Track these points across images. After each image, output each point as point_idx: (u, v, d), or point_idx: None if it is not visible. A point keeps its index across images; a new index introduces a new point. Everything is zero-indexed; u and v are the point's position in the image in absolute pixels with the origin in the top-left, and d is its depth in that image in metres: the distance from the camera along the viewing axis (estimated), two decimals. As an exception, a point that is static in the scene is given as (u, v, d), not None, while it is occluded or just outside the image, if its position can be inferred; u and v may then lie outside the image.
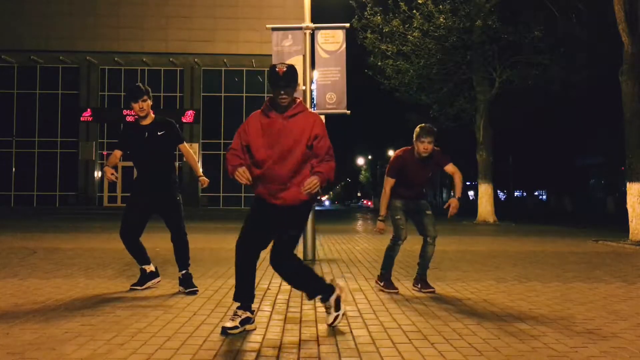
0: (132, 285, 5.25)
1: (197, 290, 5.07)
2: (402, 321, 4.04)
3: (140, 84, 5.17)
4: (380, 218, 5.27)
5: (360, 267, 6.99)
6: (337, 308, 3.82)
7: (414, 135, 5.09)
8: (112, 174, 4.91)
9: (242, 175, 3.63)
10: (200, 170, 5.37)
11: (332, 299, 3.84)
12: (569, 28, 17.28)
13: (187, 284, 5.11)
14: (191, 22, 28.86)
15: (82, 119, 29.40)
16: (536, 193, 54.14)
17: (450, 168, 5.18)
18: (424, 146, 5.03)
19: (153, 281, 5.29)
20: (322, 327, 3.83)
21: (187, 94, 30.09)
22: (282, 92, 3.64)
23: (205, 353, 3.18)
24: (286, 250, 3.74)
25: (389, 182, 5.24)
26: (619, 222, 15.17)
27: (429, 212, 5.24)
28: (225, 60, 29.22)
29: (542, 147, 37.09)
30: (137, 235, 5.16)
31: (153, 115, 5.19)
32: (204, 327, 3.79)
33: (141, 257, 5.23)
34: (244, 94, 30.27)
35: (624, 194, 12.93)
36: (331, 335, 3.64)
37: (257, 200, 3.87)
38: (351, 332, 3.72)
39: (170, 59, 29.03)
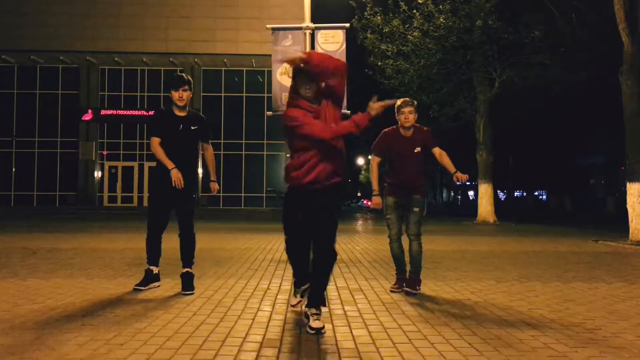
0: (135, 286, 5.23)
1: (193, 293, 5.03)
2: (402, 321, 4.05)
3: (183, 74, 5.21)
4: (374, 193, 5.29)
5: (360, 267, 6.99)
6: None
7: (395, 111, 5.19)
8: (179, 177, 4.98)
9: None
10: (215, 176, 5.38)
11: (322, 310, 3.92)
12: (569, 28, 17.27)
13: (186, 284, 5.10)
14: (191, 22, 28.82)
15: (82, 118, 29.39)
16: (536, 193, 54.15)
17: (437, 150, 5.22)
18: (405, 116, 5.14)
19: (154, 284, 5.28)
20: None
21: (187, 94, 30.10)
22: (307, 86, 3.87)
23: (205, 353, 3.18)
24: (334, 236, 4.01)
25: (374, 160, 5.36)
26: (619, 222, 15.17)
27: (416, 209, 5.17)
28: (225, 60, 29.19)
29: (542, 147, 37.10)
30: (162, 231, 5.24)
31: (188, 108, 5.20)
32: (204, 327, 3.79)
33: (155, 256, 5.26)
34: (244, 94, 30.23)
35: (624, 194, 12.92)
36: (331, 335, 3.64)
37: (299, 195, 3.95)
38: (351, 332, 3.72)
39: (170, 59, 28.98)
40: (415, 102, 5.28)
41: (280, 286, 5.48)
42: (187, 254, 5.23)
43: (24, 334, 3.53)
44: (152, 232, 5.24)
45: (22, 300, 4.64)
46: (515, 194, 54.10)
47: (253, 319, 4.05)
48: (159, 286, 5.32)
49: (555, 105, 25.62)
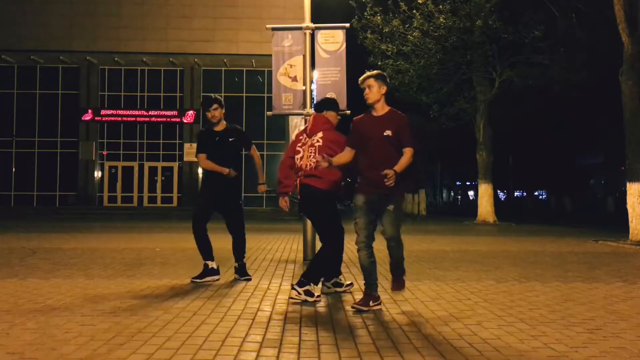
0: (192, 278, 5.62)
1: (251, 279, 5.76)
2: (402, 321, 4.05)
3: (212, 95, 5.85)
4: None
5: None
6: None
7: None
8: (230, 172, 5.65)
9: None
10: (263, 177, 5.97)
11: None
12: (569, 28, 17.27)
13: (241, 273, 5.78)
14: (191, 22, 28.80)
15: (82, 118, 29.38)
16: (536, 193, 54.13)
17: (408, 151, 4.36)
18: (365, 92, 4.47)
19: (212, 277, 5.64)
20: (322, 327, 3.84)
21: (187, 94, 30.04)
22: None
23: (205, 353, 3.19)
24: None
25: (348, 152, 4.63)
26: (619, 222, 15.16)
27: (390, 207, 4.35)
28: (225, 60, 29.17)
29: (542, 147, 37.10)
30: (205, 229, 5.73)
31: (225, 123, 5.80)
32: (204, 327, 3.80)
33: (206, 252, 5.70)
34: (244, 94, 30.19)
35: (624, 194, 12.91)
36: (331, 335, 3.64)
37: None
38: (351, 332, 3.72)
39: (170, 59, 28.96)
40: (377, 72, 4.58)
41: (280, 286, 5.49)
42: (239, 251, 5.80)
43: (24, 334, 3.53)
44: (197, 231, 5.72)
45: (22, 300, 4.64)
46: (515, 194, 54.09)
47: (253, 319, 4.05)
48: (218, 279, 5.68)
49: (555, 105, 25.61)
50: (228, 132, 5.77)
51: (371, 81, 4.45)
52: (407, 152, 4.38)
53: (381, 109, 4.49)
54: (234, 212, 5.80)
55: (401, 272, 4.64)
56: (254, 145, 5.96)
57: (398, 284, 4.68)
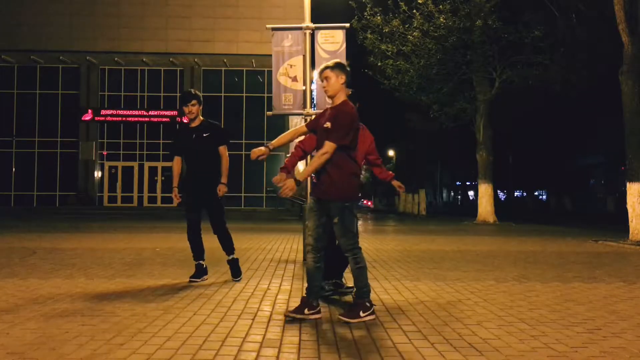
0: (190, 279, 5.65)
1: (240, 279, 5.78)
2: (402, 321, 4.04)
3: (191, 90, 5.76)
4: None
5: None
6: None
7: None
8: (176, 195, 5.67)
9: None
10: (225, 179, 5.72)
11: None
12: (569, 28, 17.27)
13: (234, 269, 5.85)
14: (191, 22, 28.83)
15: (82, 118, 29.39)
16: (536, 193, 54.12)
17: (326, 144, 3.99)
18: (323, 86, 4.16)
19: (204, 277, 5.76)
20: (322, 327, 3.84)
21: (187, 94, 30.10)
22: None
23: (205, 353, 3.19)
24: None
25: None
26: (619, 222, 15.16)
27: (335, 219, 4.05)
28: (225, 60, 29.20)
29: (542, 147, 37.11)
30: (197, 230, 5.75)
31: (202, 119, 5.75)
32: (204, 327, 3.80)
33: (199, 253, 5.77)
34: (244, 94, 30.22)
35: (624, 194, 12.90)
36: (331, 335, 3.64)
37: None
38: (351, 332, 3.72)
39: (170, 59, 28.98)
40: (335, 61, 4.20)
41: (280, 286, 5.49)
42: (227, 246, 5.79)
43: (24, 333, 3.53)
44: (189, 231, 5.75)
45: (22, 300, 4.64)
46: (515, 194, 54.08)
47: (253, 319, 4.05)
48: (206, 279, 5.76)
49: (555, 105, 25.62)
50: (203, 128, 5.65)
51: (327, 72, 4.08)
52: (324, 146, 3.92)
53: (337, 100, 4.11)
54: (213, 210, 5.71)
55: (361, 294, 4.07)
56: (226, 146, 5.71)
57: (351, 311, 4.02)
